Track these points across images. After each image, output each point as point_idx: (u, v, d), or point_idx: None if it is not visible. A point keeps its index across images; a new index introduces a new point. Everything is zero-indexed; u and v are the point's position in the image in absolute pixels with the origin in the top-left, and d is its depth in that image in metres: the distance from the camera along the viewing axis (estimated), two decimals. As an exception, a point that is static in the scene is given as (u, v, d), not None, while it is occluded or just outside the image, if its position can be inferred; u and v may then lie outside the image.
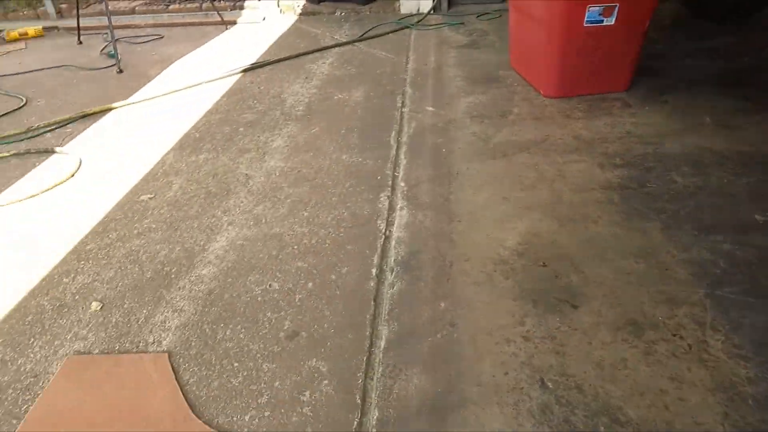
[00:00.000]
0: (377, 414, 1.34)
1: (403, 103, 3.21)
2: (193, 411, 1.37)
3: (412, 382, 1.42)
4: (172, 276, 1.88)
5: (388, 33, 4.64)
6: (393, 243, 1.97)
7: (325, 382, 1.44)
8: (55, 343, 1.62)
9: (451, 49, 4.12)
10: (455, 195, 2.24)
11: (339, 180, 2.41)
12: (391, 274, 1.82)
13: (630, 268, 1.76)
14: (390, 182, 2.37)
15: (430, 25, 4.76)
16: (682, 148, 2.44)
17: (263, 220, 2.16)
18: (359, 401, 1.38)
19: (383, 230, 2.05)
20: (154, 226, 2.17)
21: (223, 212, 2.24)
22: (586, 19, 2.80)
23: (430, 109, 3.10)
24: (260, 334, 1.61)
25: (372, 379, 1.45)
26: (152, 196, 2.39)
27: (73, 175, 2.59)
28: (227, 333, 1.62)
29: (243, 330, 1.63)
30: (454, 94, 3.28)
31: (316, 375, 1.46)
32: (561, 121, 2.81)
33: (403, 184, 2.35)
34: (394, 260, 1.88)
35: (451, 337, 1.55)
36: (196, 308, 1.73)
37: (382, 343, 1.55)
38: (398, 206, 2.19)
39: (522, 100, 3.13)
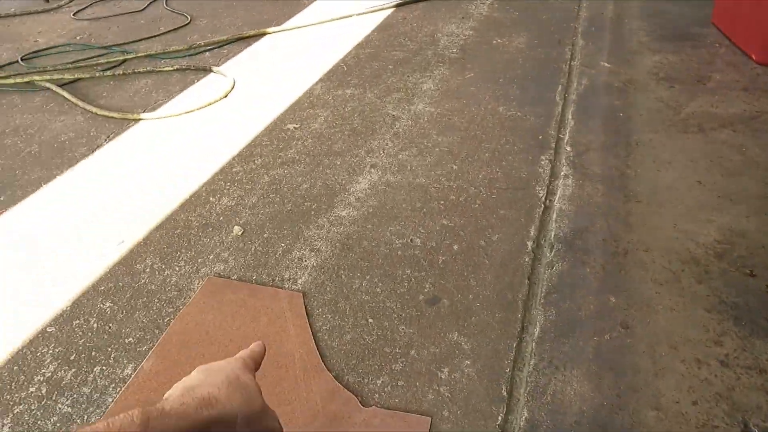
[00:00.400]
0: (526, 414, 1.15)
1: (572, 55, 2.80)
2: (323, 360, 1.28)
3: (571, 385, 1.20)
4: (312, 213, 1.80)
5: (558, -26, 4.09)
6: (554, 215, 1.70)
7: (467, 362, 1.27)
8: (198, 260, 1.63)
9: (635, -3, 3.52)
10: (633, 169, 1.88)
11: (493, 134, 2.16)
12: (551, 251, 1.57)
13: None
14: (553, 144, 2.06)
15: (610, -31, 4.11)
16: None
17: (408, 168, 1.99)
18: (505, 394, 1.20)
19: (543, 198, 1.78)
20: (297, 157, 2.11)
21: (366, 153, 2.10)
22: None
23: (606, 65, 2.66)
24: (398, 292, 1.47)
25: (521, 371, 1.25)
26: (298, 126, 2.32)
27: (226, 96, 2.62)
28: (363, 284, 1.51)
29: (380, 284, 1.50)
30: (636, 51, 2.78)
31: (456, 352, 1.30)
32: (780, 96, 2.24)
33: (569, 148, 2.03)
34: (555, 236, 1.62)
35: (623, 342, 1.29)
36: (333, 251, 1.63)
37: (536, 331, 1.33)
38: (562, 173, 1.90)
39: (726, 64, 2.56)
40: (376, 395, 1.21)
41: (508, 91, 2.47)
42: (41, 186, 2.04)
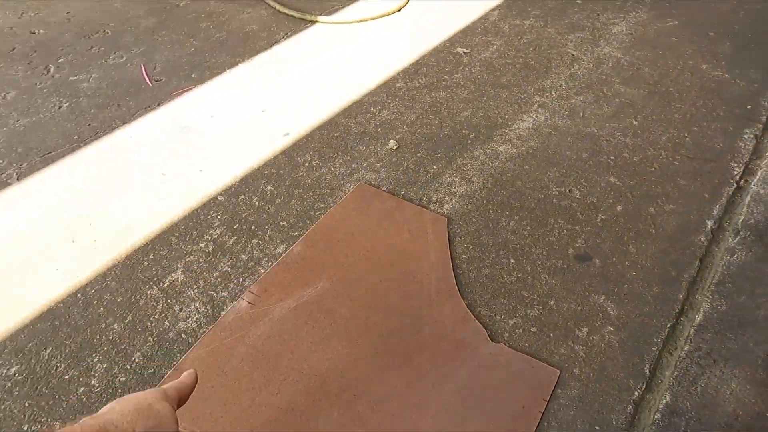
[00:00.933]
0: (668, 399, 1.05)
1: (813, 15, 2.28)
2: (458, 287, 1.28)
3: (728, 384, 1.07)
4: (468, 141, 1.75)
5: None
6: (747, 199, 1.47)
7: (610, 328, 1.19)
8: (352, 165, 1.68)
9: None
10: None
11: (689, 94, 1.87)
12: (734, 237, 1.36)
13: None
14: (764, 118, 1.74)
15: None
16: None
17: (580, 114, 1.82)
18: (648, 372, 1.10)
19: (736, 177, 1.54)
20: (462, 83, 2.03)
21: (536, 90, 1.96)
22: None
23: None
24: (546, 240, 1.40)
25: (671, 354, 1.13)
26: (467, 51, 2.22)
27: (399, 9, 2.57)
28: (510, 224, 1.45)
29: (528, 228, 1.44)
30: None
31: (600, 315, 1.21)
32: None
33: (784, 125, 1.71)
34: (744, 221, 1.40)
35: (806, 357, 1.10)
36: (484, 184, 1.58)
37: (698, 318, 1.19)
38: (768, 153, 1.61)
39: None
40: (506, 335, 1.19)
41: (718, 48, 2.11)
42: (225, 70, 2.21)
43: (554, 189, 1.54)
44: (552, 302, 1.25)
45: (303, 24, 2.52)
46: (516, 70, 2.08)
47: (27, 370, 1.16)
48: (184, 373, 0.76)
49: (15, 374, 1.15)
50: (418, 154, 1.71)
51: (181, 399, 0.71)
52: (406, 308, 1.23)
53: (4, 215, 1.51)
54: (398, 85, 2.05)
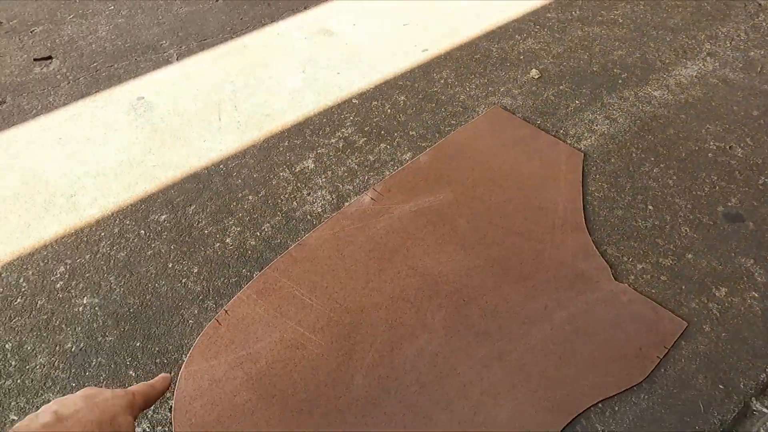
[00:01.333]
0: (812, 377, 0.95)
1: None
2: (586, 223, 1.22)
3: None
4: (619, 81, 1.61)
5: None
6: None
7: (755, 294, 1.08)
8: (489, 89, 1.62)
9: None
10: None
11: None
12: None
13: None
14: None
15: None
16: None
17: (758, 69, 1.60)
18: (792, 346, 0.99)
19: None
20: (621, 21, 1.85)
21: (707, 38, 1.74)
22: None
23: None
24: (694, 193, 1.28)
25: (824, 334, 1.01)
26: (632, -13, 2.01)
27: (561, -62, 2.36)
28: (654, 170, 1.34)
29: (674, 177, 1.32)
30: None
31: (745, 279, 1.10)
32: None
33: None
34: None
35: None
36: (630, 126, 1.46)
37: None
38: None
39: None
40: (632, 277, 1.12)
41: None
42: (370, -18, 2.19)
43: (712, 143, 1.39)
44: (690, 255, 1.15)
45: (455, -56, 2.41)
46: (687, 13, 1.85)
47: (174, 220, 1.30)
48: (157, 378, 0.71)
49: (164, 221, 1.30)
50: (561, 87, 1.61)
51: (147, 404, 0.68)
52: (527, 231, 1.20)
53: (166, 88, 1.65)
54: (549, 14, 1.91)
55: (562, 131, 1.47)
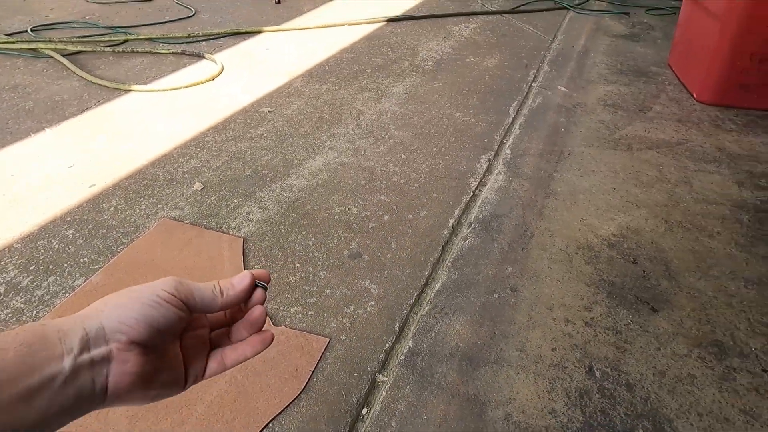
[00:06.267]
0: (411, 344, 1.34)
1: (534, 78, 3.05)
2: (248, 291, 1.47)
3: (454, 327, 1.40)
4: (267, 179, 2.01)
5: (542, 10, 4.41)
6: (479, 201, 1.92)
7: (372, 303, 1.47)
8: (158, 206, 1.83)
9: (606, 37, 3.81)
10: (560, 174, 2.11)
11: (445, 134, 2.39)
12: (468, 228, 1.78)
13: (736, 290, 1.54)
14: (496, 147, 2.29)
15: (591, 10, 4.43)
16: None
17: (362, 152, 2.21)
18: (397, 329, 1.39)
19: (473, 188, 2.00)
20: (265, 134, 2.33)
21: (328, 137, 2.33)
22: (773, 20, 2.42)
23: (562, 89, 2.91)
24: (327, 246, 1.68)
25: (416, 314, 1.44)
26: (272, 110, 2.55)
27: (213, 78, 2.85)
28: (298, 237, 1.71)
29: (313, 239, 1.71)
30: (593, 80, 3.05)
31: (365, 295, 1.50)
32: (707, 129, 2.49)
33: (509, 151, 2.26)
34: (475, 217, 1.83)
35: (508, 301, 1.49)
36: (278, 210, 1.84)
37: (437, 286, 1.53)
38: (496, 170, 2.12)
39: (669, 99, 2.82)
40: (288, 320, 1.41)
41: (468, 101, 2.72)
42: (30, 135, 2.25)
43: (336, 209, 1.86)
44: (328, 290, 1.50)
45: (117, 93, 2.67)
46: (313, 123, 2.44)
47: None
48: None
49: None
50: (222, 192, 1.92)
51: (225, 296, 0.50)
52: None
53: None
54: (207, 138, 2.28)
55: (225, 226, 1.75)
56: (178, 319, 0.46)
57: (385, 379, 1.26)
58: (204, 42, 3.40)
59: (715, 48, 2.62)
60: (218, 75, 2.90)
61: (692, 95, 2.85)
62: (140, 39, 3.35)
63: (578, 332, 1.40)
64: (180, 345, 0.49)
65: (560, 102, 2.76)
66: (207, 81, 2.82)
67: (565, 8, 4.47)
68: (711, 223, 1.83)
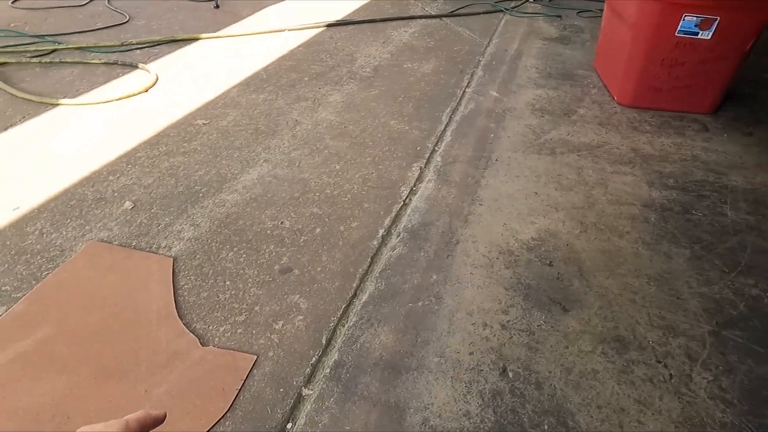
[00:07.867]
0: (336, 357, 1.40)
1: (468, 83, 3.16)
2: (177, 311, 1.50)
3: (378, 337, 1.47)
4: (200, 195, 2.02)
5: (479, 13, 4.54)
6: (409, 210, 1.99)
7: (300, 317, 1.52)
8: (86, 228, 1.81)
9: (538, 40, 3.97)
10: (486, 180, 2.21)
11: (379, 143, 2.45)
12: (397, 238, 1.85)
13: (639, 287, 1.68)
14: (427, 155, 2.37)
15: (526, 13, 4.59)
16: (749, 185, 2.24)
17: (297, 164, 2.25)
18: (324, 342, 1.45)
19: (404, 197, 2.07)
20: (199, 148, 2.33)
21: (263, 149, 2.35)
22: (679, 28, 2.60)
23: (494, 94, 3.03)
24: (258, 262, 1.71)
25: (343, 326, 1.50)
26: (207, 122, 2.55)
27: (147, 90, 2.81)
28: (229, 254, 1.74)
29: (244, 255, 1.74)
30: (523, 85, 3.18)
31: (294, 310, 1.54)
32: (625, 131, 2.66)
33: (439, 159, 2.35)
34: (404, 227, 1.91)
35: (431, 308, 1.57)
36: (210, 227, 1.86)
37: (364, 297, 1.60)
38: (427, 178, 2.20)
39: (592, 102, 2.98)
40: (217, 339, 1.44)
41: (403, 109, 2.79)
42: (-52, 155, 2.16)
43: (269, 223, 1.89)
44: (257, 307, 1.54)
45: (44, 107, 2.59)
46: (248, 135, 2.46)
47: None
48: (157, 411, 0.63)
49: None
50: (153, 210, 1.92)
51: (143, 429, 0.59)
52: (124, 336, 1.40)
53: None
54: (138, 154, 2.25)
55: (155, 246, 1.76)
56: None
57: (311, 392, 1.32)
58: (138, 50, 3.34)
59: (630, 53, 2.80)
60: (152, 86, 2.86)
61: (613, 98, 3.02)
62: (70, 48, 3.25)
63: (495, 335, 1.49)
64: None
65: (491, 107, 2.87)
66: (140, 92, 2.78)
67: (501, 11, 4.62)
68: (622, 223, 1.98)
